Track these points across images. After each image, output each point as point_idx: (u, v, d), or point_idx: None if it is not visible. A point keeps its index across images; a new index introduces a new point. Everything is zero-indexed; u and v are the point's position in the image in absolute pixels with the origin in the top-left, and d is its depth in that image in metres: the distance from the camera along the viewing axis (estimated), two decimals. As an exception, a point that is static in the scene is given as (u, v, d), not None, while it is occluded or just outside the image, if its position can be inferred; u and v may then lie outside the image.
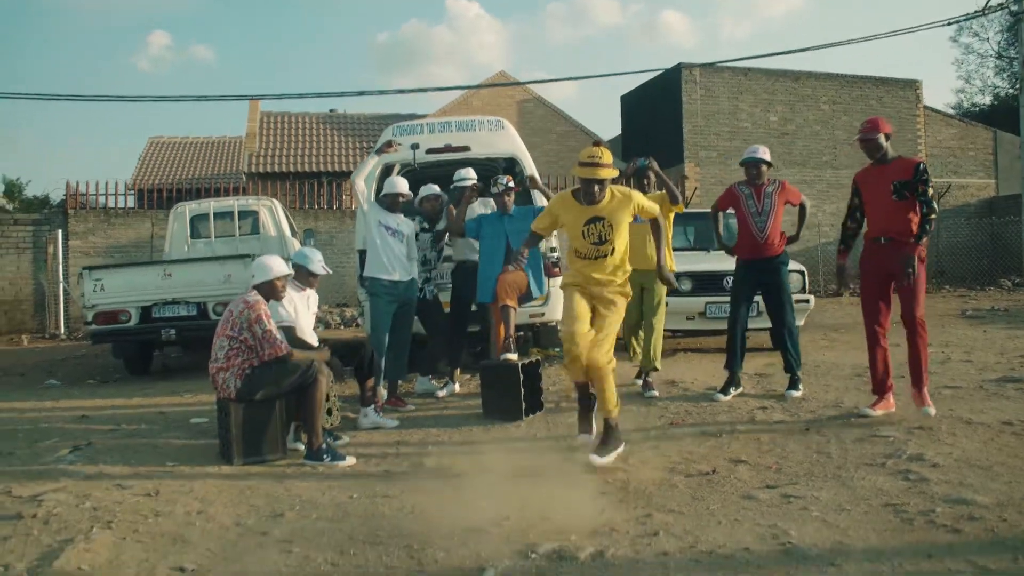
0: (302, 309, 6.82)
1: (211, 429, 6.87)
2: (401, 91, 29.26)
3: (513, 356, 7.50)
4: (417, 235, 8.26)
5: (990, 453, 5.25)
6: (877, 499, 4.48)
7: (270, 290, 6.26)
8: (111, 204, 20.72)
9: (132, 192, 22.15)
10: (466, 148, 9.52)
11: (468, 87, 25.69)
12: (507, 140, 9.68)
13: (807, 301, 10.36)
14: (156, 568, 4.02)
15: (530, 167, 9.43)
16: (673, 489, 4.88)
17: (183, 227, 14.19)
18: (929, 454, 5.27)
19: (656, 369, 7.94)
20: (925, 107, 25.35)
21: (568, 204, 5.68)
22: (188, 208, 14.46)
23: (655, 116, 24.00)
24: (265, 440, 6.13)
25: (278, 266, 6.30)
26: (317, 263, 6.87)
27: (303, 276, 6.87)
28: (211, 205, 14.51)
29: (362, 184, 7.87)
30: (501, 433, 6.65)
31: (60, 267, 19.22)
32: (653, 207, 5.79)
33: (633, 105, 26.30)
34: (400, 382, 8.06)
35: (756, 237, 7.49)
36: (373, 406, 7.13)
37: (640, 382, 7.98)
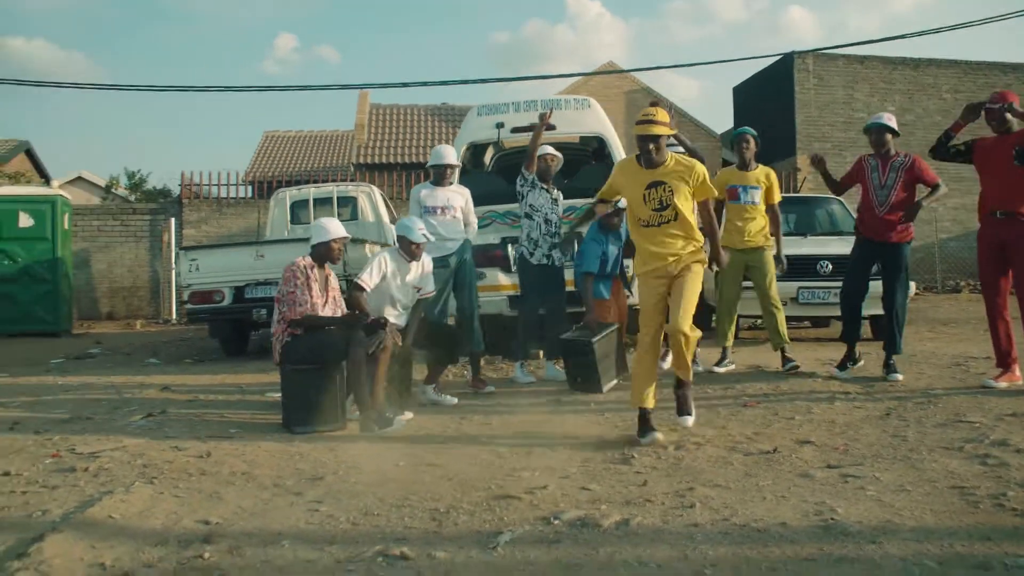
0: (411, 279, 6.79)
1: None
2: (501, 80, 29.09)
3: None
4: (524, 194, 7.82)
5: (1086, 442, 4.78)
6: (944, 481, 4.11)
7: (326, 252, 6.23)
8: (224, 194, 21.30)
9: (246, 183, 22.72)
10: (552, 127, 9.34)
11: (570, 75, 25.42)
12: (594, 119, 9.47)
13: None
14: (182, 520, 3.99)
15: (617, 147, 9.21)
16: (727, 466, 4.60)
17: (283, 212, 14.42)
18: (1016, 440, 4.84)
19: (788, 343, 7.80)
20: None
21: (628, 168, 5.46)
22: (288, 194, 14.69)
23: (767, 107, 23.29)
24: (321, 409, 6.09)
25: (335, 228, 6.26)
26: (417, 231, 6.70)
27: (406, 246, 6.75)
28: (311, 191, 14.71)
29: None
30: (570, 408, 6.46)
31: (173, 254, 19.85)
32: (711, 189, 5.48)
33: (745, 97, 25.64)
34: (480, 355, 7.78)
35: (876, 211, 7.08)
36: (434, 384, 7.05)
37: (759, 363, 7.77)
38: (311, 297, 6.13)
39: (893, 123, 7.23)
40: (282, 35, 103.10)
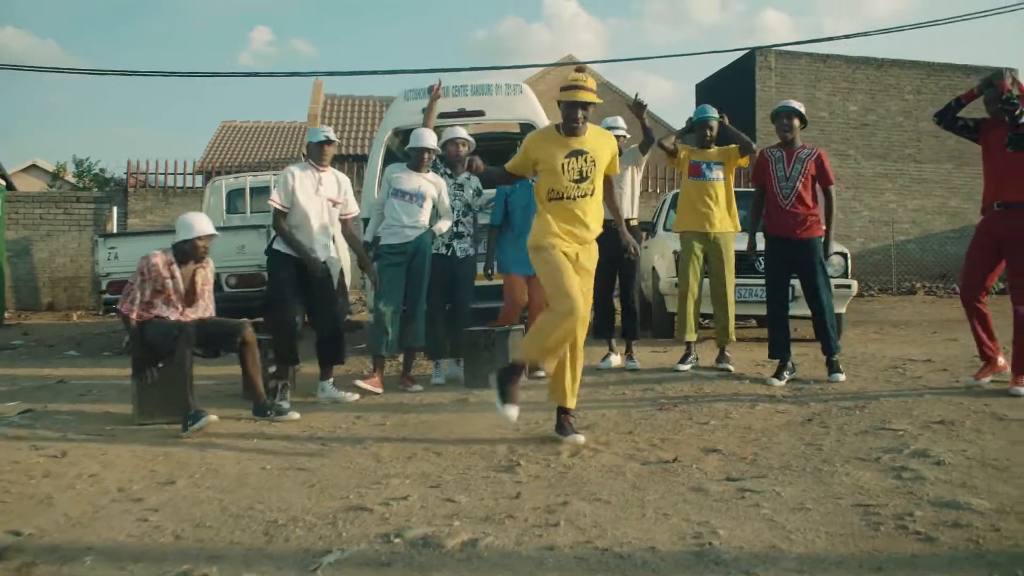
0: (320, 192, 6.40)
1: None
2: (452, 70, 28.24)
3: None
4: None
5: (1013, 454, 4.36)
6: (850, 498, 3.67)
7: (191, 250, 5.82)
8: (173, 183, 20.66)
9: (195, 172, 22.06)
10: (480, 113, 8.89)
11: (524, 66, 24.88)
12: (525, 106, 8.99)
13: (848, 287, 9.40)
14: (-12, 532, 3.50)
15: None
16: (617, 477, 4.14)
17: (219, 201, 13.90)
18: (938, 450, 4.41)
19: (732, 341, 7.40)
20: (1022, 100, 23.72)
21: (547, 136, 4.98)
22: (224, 183, 14.18)
23: (728, 104, 22.87)
24: (167, 400, 5.78)
25: (200, 224, 5.83)
26: (321, 132, 6.43)
27: (312, 151, 6.46)
28: (247, 180, 14.19)
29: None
30: (477, 409, 6.00)
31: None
32: (617, 164, 5.15)
33: (707, 93, 25.24)
34: (417, 352, 7.34)
35: (780, 204, 6.67)
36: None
37: (687, 360, 7.43)
38: (142, 296, 5.81)
39: (801, 107, 6.82)
40: (258, 28, 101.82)
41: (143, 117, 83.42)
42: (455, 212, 7.24)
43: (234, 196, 13.99)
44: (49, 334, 13.72)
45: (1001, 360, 6.18)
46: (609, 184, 5.24)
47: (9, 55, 75.82)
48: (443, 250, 7.22)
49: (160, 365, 5.86)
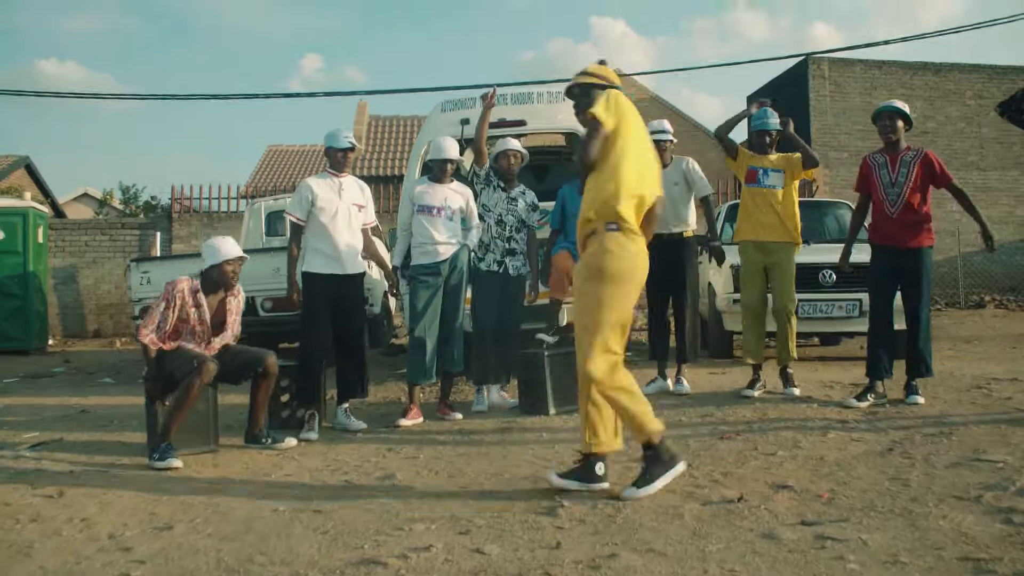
0: (344, 197, 6.14)
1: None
2: (499, 85, 27.97)
3: (550, 339, 6.67)
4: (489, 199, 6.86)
5: None
6: (953, 548, 3.08)
7: (219, 276, 5.45)
8: (217, 208, 20.49)
9: (239, 197, 21.88)
10: (522, 122, 8.39)
11: (565, 80, 24.51)
12: (569, 113, 8.46)
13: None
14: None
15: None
16: (674, 521, 3.59)
17: (258, 224, 13.56)
18: (1048, 487, 3.80)
19: (794, 359, 6.80)
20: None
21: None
22: (264, 204, 13.84)
23: (781, 115, 22.19)
24: (193, 430, 5.47)
25: (228, 248, 5.44)
26: (342, 137, 6.16)
27: (331, 157, 6.19)
28: (287, 201, 13.84)
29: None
30: (517, 439, 5.48)
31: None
32: None
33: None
34: (456, 378, 6.86)
35: (888, 212, 6.10)
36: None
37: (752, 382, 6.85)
38: (164, 324, 5.40)
39: (905, 107, 6.23)
40: (309, 55, 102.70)
41: (191, 144, 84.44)
42: (508, 228, 6.75)
43: (274, 218, 13.62)
44: (90, 361, 13.48)
45: None
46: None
47: (67, 88, 77.28)
48: (495, 267, 6.72)
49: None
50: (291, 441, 5.61)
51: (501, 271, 6.68)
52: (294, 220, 6.06)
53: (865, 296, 8.15)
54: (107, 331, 19.26)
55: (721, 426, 5.62)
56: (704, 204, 7.03)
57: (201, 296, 5.43)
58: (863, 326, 8.43)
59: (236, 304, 5.62)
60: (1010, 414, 5.55)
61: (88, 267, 19.54)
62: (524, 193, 6.90)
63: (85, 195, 35.83)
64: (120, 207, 32.25)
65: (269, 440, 5.60)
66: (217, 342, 5.51)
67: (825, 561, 2.99)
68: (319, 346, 6.07)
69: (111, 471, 5.04)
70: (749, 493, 3.94)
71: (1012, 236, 20.92)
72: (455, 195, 6.44)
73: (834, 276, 8.42)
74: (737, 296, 8.44)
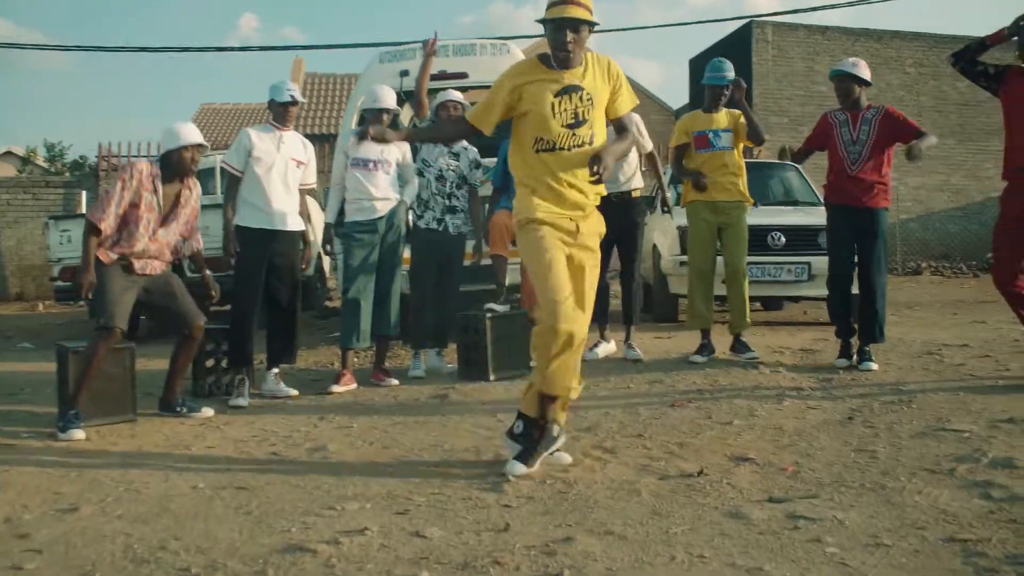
0: (283, 151, 5.72)
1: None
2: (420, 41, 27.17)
3: (500, 308, 6.31)
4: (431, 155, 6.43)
5: (1114, 460, 3.55)
6: (936, 528, 2.85)
7: (177, 162, 5.07)
8: (146, 166, 19.72)
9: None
10: (463, 75, 8.01)
11: (505, 37, 23.94)
12: (513, 66, 8.11)
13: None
14: None
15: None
16: (631, 498, 3.31)
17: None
18: (1023, 460, 3.60)
19: (748, 326, 6.53)
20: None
21: (531, 69, 3.85)
22: (193, 160, 13.23)
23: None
24: (108, 398, 5.05)
25: (188, 133, 5.07)
26: (285, 90, 5.73)
27: (274, 110, 5.79)
28: (217, 159, 13.25)
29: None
30: (457, 409, 5.17)
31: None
32: (632, 97, 4.03)
33: (701, 69, 24.42)
34: (392, 342, 6.52)
35: (847, 170, 5.85)
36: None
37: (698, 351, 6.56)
38: (118, 208, 4.94)
39: (861, 71, 5.96)
40: (245, 14, 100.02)
41: (121, 103, 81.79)
42: (448, 184, 6.37)
43: (204, 176, 13.02)
44: (9, 326, 12.83)
45: None
46: (624, 126, 4.02)
47: (-9, 43, 74.32)
48: (434, 225, 6.34)
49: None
50: (208, 411, 5.24)
51: (441, 229, 6.32)
52: (230, 170, 5.70)
53: (814, 259, 8.02)
54: (30, 294, 18.44)
55: (671, 393, 5.37)
56: (651, 160, 6.75)
57: (159, 183, 5.02)
58: (812, 290, 8.34)
59: (189, 196, 5.23)
60: (966, 381, 5.39)
61: (10, 227, 18.67)
62: (466, 149, 6.52)
63: (8, 153, 34.45)
64: (45, 165, 31.01)
65: (184, 409, 5.23)
66: (161, 235, 5.07)
67: (801, 544, 2.73)
68: (251, 305, 5.69)
69: (15, 445, 4.60)
70: (708, 466, 3.68)
71: (946, 204, 21.11)
72: (392, 147, 6.05)
73: (783, 239, 8.21)
74: (684, 258, 8.21)
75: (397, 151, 6.07)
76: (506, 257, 6.55)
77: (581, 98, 3.75)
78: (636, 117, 6.32)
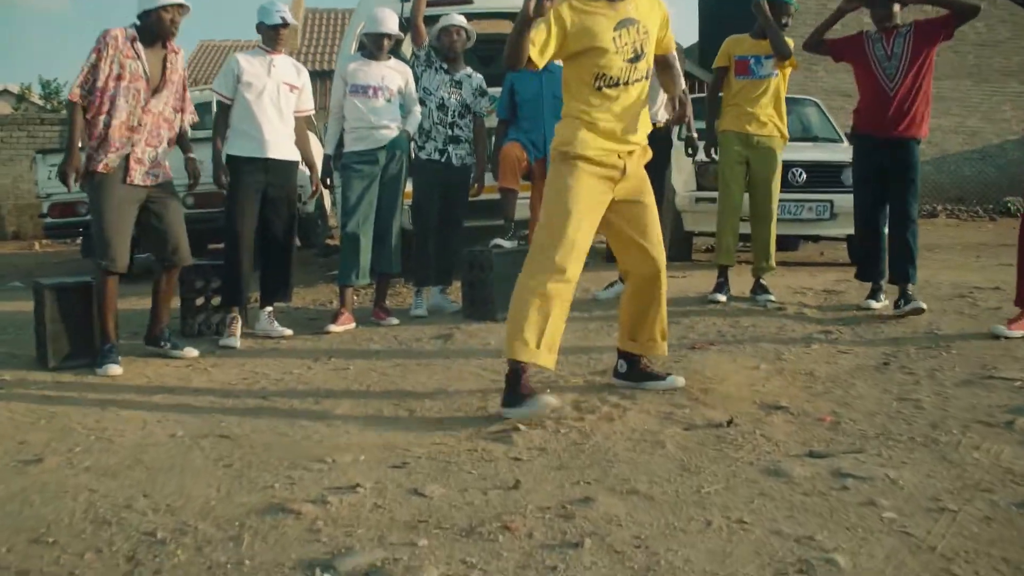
0: (274, 75, 5.29)
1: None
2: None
3: (508, 244, 5.97)
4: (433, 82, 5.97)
5: None
6: (1005, 491, 2.51)
7: (156, 24, 4.62)
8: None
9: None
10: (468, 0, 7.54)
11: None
12: (521, -9, 7.63)
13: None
14: None
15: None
16: (655, 451, 2.97)
17: (182, 116, 12.54)
18: (1085, 410, 3.26)
19: (773, 269, 6.09)
20: (1046, 12, 22.20)
21: (585, 2, 3.53)
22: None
23: (737, 11, 21.26)
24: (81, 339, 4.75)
25: None
26: (275, 12, 5.28)
27: (264, 33, 5.34)
28: (213, 95, 12.81)
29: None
30: (461, 349, 4.84)
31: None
32: (671, 39, 3.80)
33: (711, 4, 23.64)
34: (393, 280, 6.21)
35: (884, 90, 5.33)
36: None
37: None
38: (95, 78, 4.51)
39: None
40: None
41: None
42: (451, 113, 5.96)
43: (200, 110, 12.58)
44: (3, 264, 12.50)
45: None
46: (666, 64, 3.86)
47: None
48: (436, 156, 5.94)
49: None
50: (191, 352, 4.89)
51: (444, 160, 5.92)
52: (220, 98, 5.29)
53: (837, 197, 7.62)
54: (26, 233, 18.12)
55: (690, 335, 5.03)
56: (680, 99, 6.30)
57: (139, 46, 4.61)
58: (834, 229, 7.95)
59: (175, 62, 4.82)
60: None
61: (4, 165, 18.28)
62: (470, 76, 6.09)
63: (3, 91, 33.86)
64: (40, 103, 30.39)
65: (168, 345, 4.89)
66: (154, 106, 4.69)
67: (854, 508, 2.39)
68: (245, 238, 5.32)
69: (-9, 387, 4.28)
70: (738, 415, 3.34)
71: (961, 147, 20.56)
72: (393, 74, 5.63)
73: (804, 175, 7.79)
74: (701, 194, 7.83)
75: (400, 78, 5.66)
76: (516, 191, 6.14)
77: (638, 30, 3.55)
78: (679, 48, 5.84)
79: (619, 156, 3.54)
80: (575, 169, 3.48)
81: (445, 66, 5.96)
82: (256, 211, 5.30)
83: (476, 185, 6.17)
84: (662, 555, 2.10)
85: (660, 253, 3.70)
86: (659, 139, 6.03)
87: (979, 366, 4.06)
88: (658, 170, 6.07)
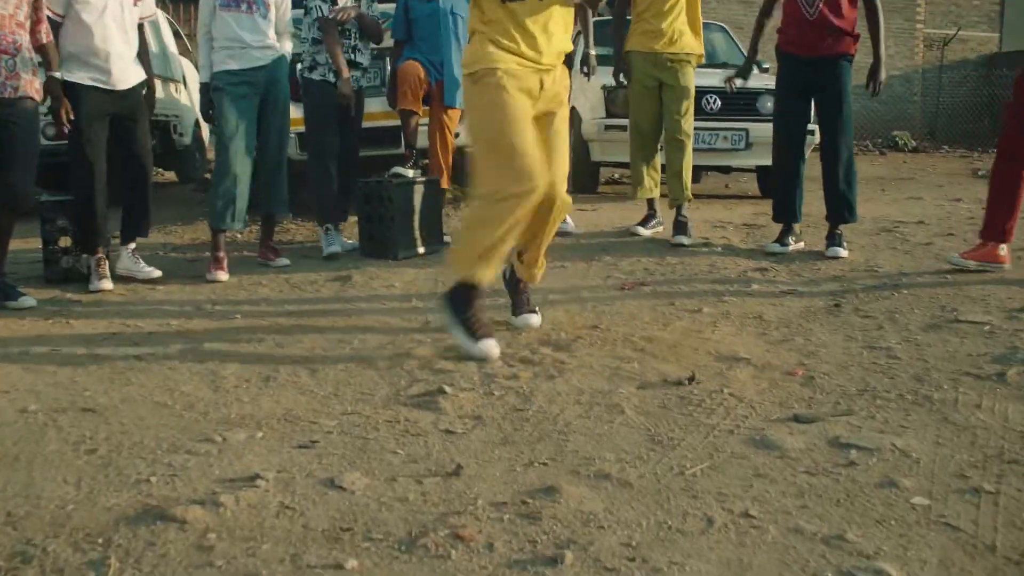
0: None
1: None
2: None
3: (410, 173, 5.30)
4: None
5: None
6: (1032, 458, 2.15)
7: None
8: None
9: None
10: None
11: None
12: None
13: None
14: None
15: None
16: (613, 417, 2.51)
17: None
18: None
19: (689, 200, 5.54)
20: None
21: None
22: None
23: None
24: None
25: None
26: None
27: None
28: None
29: None
30: (364, 292, 4.30)
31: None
32: None
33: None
34: (281, 220, 5.57)
35: (805, 13, 4.92)
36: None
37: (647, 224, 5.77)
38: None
39: None
40: None
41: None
42: (350, 35, 5.30)
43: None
44: None
45: (1004, 249, 4.55)
46: None
47: None
48: (330, 77, 5.27)
49: None
50: (28, 301, 4.17)
51: (337, 82, 5.26)
52: (51, 15, 4.41)
53: (753, 126, 7.27)
54: None
55: (615, 273, 4.59)
56: (581, 12, 5.74)
57: None
58: (750, 159, 7.62)
59: None
60: (939, 261, 4.76)
61: None
62: None
63: None
64: None
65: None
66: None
67: (874, 492, 1.97)
68: (98, 175, 4.59)
69: None
70: (696, 368, 2.91)
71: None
72: None
73: (718, 102, 7.39)
74: (609, 122, 7.35)
75: None
76: (418, 113, 5.51)
77: None
78: None
79: (534, 73, 3.15)
80: (492, 81, 3.09)
81: None
82: (104, 144, 4.59)
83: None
84: (665, 571, 1.63)
85: (560, 180, 3.23)
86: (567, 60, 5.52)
87: (938, 308, 3.73)
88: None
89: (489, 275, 3.18)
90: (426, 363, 3.07)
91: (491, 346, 3.10)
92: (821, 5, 4.84)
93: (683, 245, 5.35)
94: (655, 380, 2.83)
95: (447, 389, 2.75)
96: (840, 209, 5.03)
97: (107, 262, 4.62)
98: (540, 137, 3.17)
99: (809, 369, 2.93)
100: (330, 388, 2.85)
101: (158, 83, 8.04)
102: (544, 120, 3.22)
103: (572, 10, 3.30)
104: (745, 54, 8.81)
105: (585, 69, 5.86)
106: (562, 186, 3.24)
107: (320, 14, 5.15)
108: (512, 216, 3.04)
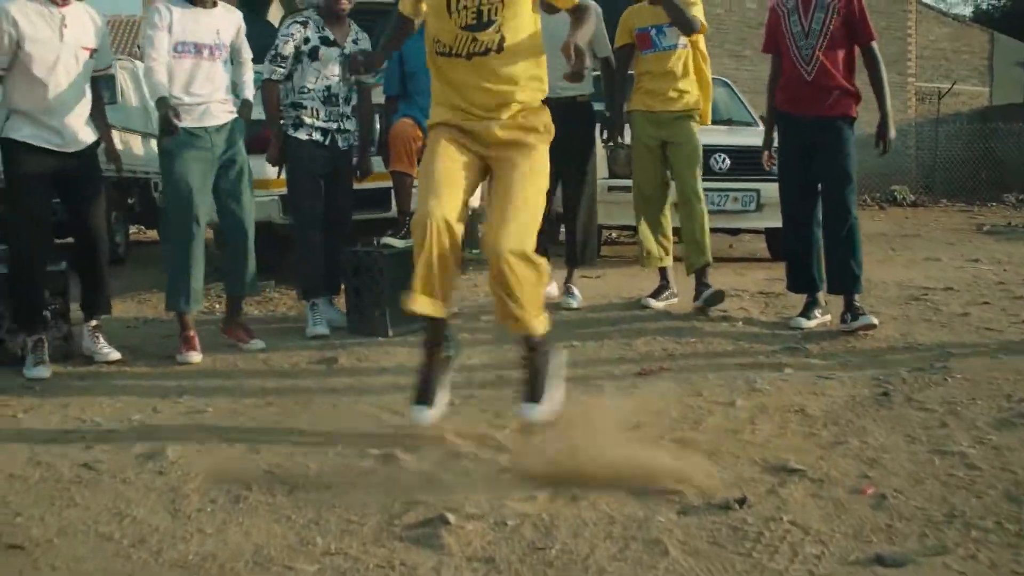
0: (68, 38, 4.00)
1: None
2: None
3: (398, 243, 4.83)
4: (311, 51, 4.76)
5: None
6: None
7: None
8: None
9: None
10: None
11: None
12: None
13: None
14: None
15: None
16: (656, 560, 2.05)
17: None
18: None
19: (709, 264, 5.16)
20: (918, 2, 22.42)
21: None
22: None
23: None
24: None
25: None
26: None
27: None
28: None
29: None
30: (346, 378, 3.86)
31: None
32: None
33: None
34: (249, 298, 5.03)
35: (800, 71, 4.55)
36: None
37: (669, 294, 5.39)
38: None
39: None
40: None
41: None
42: (340, 100, 4.88)
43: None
44: None
45: None
46: (577, 14, 3.00)
47: None
48: (317, 136, 4.84)
49: None
50: None
51: (327, 142, 4.83)
52: None
53: (764, 186, 6.88)
54: None
55: (631, 356, 4.16)
56: (604, 66, 5.35)
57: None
58: (760, 221, 7.25)
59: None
60: (988, 336, 4.37)
61: None
62: (357, 43, 4.99)
63: None
64: None
65: None
66: None
67: None
68: (36, 243, 4.13)
69: None
70: (743, 484, 2.46)
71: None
72: (226, 24, 4.34)
73: (727, 161, 7.03)
74: (614, 183, 6.95)
75: (232, 28, 4.37)
76: (411, 176, 5.05)
77: None
78: (596, 8, 4.76)
79: (468, 121, 3.01)
80: (432, 136, 3.09)
81: (332, 37, 4.85)
82: (49, 206, 4.17)
83: (359, 172, 5.13)
84: None
85: (502, 235, 2.82)
86: (579, 115, 5.14)
87: (1001, 396, 3.31)
88: (581, 153, 5.20)
89: (421, 305, 2.89)
90: (423, 477, 2.62)
91: (424, 414, 2.93)
92: (818, 64, 4.49)
93: (720, 311, 4.97)
94: (698, 503, 2.38)
95: (450, 518, 2.29)
96: (844, 280, 4.57)
97: (45, 344, 4.14)
98: (498, 188, 3.01)
99: (876, 484, 2.48)
100: (311, 513, 2.39)
101: (137, 139, 7.62)
102: (500, 174, 3.02)
103: (538, 59, 2.98)
104: (750, 111, 8.60)
105: (604, 136, 5.47)
106: (506, 242, 2.79)
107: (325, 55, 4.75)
108: (418, 245, 2.87)
